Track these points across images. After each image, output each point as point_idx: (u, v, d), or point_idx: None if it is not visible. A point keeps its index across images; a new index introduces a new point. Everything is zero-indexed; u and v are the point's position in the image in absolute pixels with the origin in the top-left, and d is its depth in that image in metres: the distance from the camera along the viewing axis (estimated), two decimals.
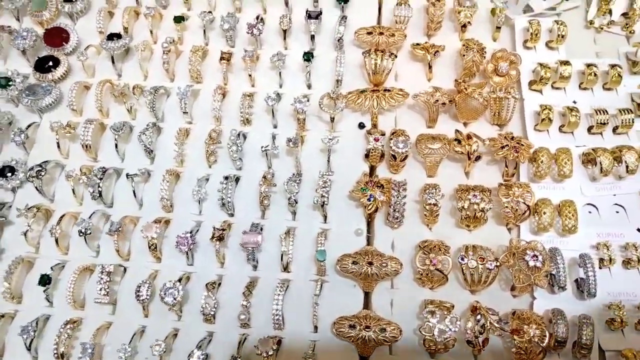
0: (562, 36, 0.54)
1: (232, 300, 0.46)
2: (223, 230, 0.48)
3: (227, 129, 0.54)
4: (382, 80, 0.54)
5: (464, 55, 0.53)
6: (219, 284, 0.47)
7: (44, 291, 0.47)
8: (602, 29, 0.57)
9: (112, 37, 0.56)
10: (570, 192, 0.49)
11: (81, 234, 0.47)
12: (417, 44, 0.55)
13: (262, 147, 0.51)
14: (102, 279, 0.46)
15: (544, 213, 0.46)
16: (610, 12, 0.57)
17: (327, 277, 0.47)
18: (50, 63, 0.57)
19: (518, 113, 0.53)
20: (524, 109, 0.53)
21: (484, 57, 0.54)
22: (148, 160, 0.53)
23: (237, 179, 0.51)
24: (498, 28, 0.57)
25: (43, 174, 0.51)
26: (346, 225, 0.49)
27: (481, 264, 0.44)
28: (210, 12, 0.59)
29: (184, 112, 0.54)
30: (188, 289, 0.47)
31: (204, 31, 0.59)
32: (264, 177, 0.50)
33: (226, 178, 0.50)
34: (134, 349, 0.44)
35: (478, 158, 0.49)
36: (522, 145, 0.49)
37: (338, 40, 0.56)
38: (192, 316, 0.47)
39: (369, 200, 0.48)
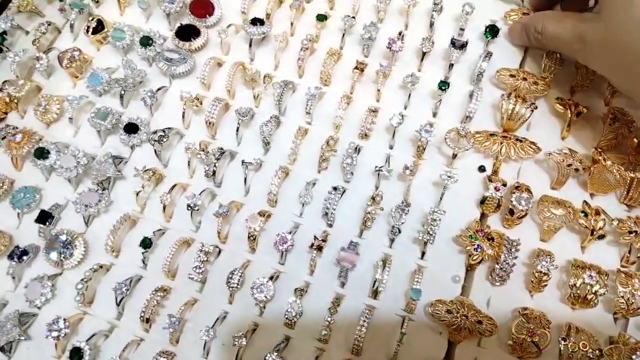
0: None
1: (315, 312, 0.46)
2: (324, 241, 0.47)
3: (345, 138, 0.54)
4: (515, 128, 0.52)
5: (609, 124, 0.50)
6: (306, 291, 0.47)
7: (143, 253, 0.48)
8: None
9: (256, 22, 0.57)
10: None
11: (189, 208, 0.49)
12: (561, 99, 0.52)
13: (376, 166, 0.51)
14: (199, 257, 0.47)
15: None
16: None
17: (414, 316, 0.46)
18: (192, 33, 0.58)
19: None
20: None
21: (631, 131, 0.50)
22: (262, 150, 0.54)
23: (344, 192, 0.51)
24: None
25: (165, 140, 0.52)
26: (444, 267, 0.48)
27: (583, 350, 0.42)
28: (353, 17, 0.58)
29: (307, 113, 0.54)
30: (276, 287, 0.47)
31: (343, 35, 0.58)
32: (373, 198, 0.49)
33: (335, 189, 0.50)
34: (215, 333, 0.45)
35: (602, 237, 0.46)
36: None
37: (477, 75, 0.54)
38: (272, 314, 0.47)
39: (475, 250, 0.46)
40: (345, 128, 0.54)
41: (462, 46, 0.55)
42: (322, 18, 0.58)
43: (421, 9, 0.59)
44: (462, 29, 0.57)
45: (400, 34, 0.57)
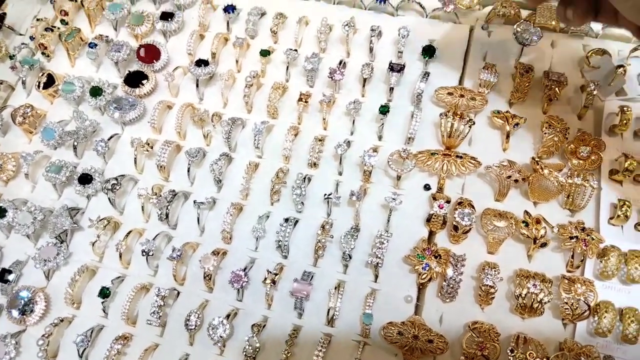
0: None
1: (274, 345, 0.47)
2: (276, 274, 0.49)
3: (294, 169, 0.55)
4: (456, 144, 0.54)
5: (545, 133, 0.52)
6: (264, 326, 0.48)
7: (102, 303, 0.49)
8: None
9: (200, 63, 0.58)
10: (636, 298, 0.47)
11: (144, 254, 0.50)
12: (498, 112, 0.54)
13: (325, 194, 0.52)
14: (156, 301, 0.48)
15: (604, 317, 0.44)
16: None
17: (369, 340, 0.47)
18: (140, 79, 0.60)
19: (594, 202, 0.51)
20: (601, 198, 0.51)
21: (566, 137, 0.52)
22: (216, 188, 0.55)
23: (296, 222, 0.52)
24: (586, 107, 0.55)
25: (118, 187, 0.53)
26: (397, 288, 0.49)
27: (530, 359, 0.43)
28: (295, 50, 0.60)
29: (256, 147, 0.55)
30: (234, 324, 0.48)
31: (287, 67, 0.60)
32: (323, 226, 0.51)
33: (286, 220, 0.51)
34: None
35: (544, 245, 0.48)
36: (593, 239, 0.47)
37: (417, 96, 0.56)
38: (233, 351, 0.48)
39: (423, 269, 0.47)
40: (295, 159, 0.56)
41: (400, 69, 0.57)
42: (265, 53, 0.60)
43: (361, 36, 0.61)
44: (400, 52, 0.59)
45: (341, 62, 0.59)
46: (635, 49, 0.56)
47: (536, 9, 0.59)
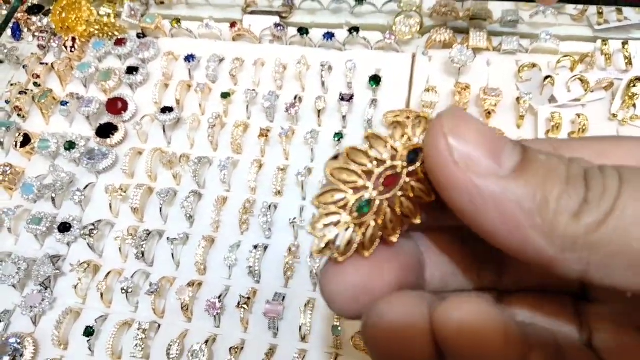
0: (583, 130, 0.57)
1: None
2: (248, 298, 0.52)
3: (261, 198, 0.59)
4: None
5: None
6: (242, 348, 0.51)
7: (88, 341, 0.52)
8: (625, 122, 0.59)
9: (165, 110, 0.63)
10: None
11: (123, 292, 0.53)
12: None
13: (289, 219, 0.56)
14: (138, 335, 0.51)
15: None
16: (634, 106, 0.59)
17: (341, 351, 0.51)
18: (111, 130, 0.64)
19: None
20: None
21: None
22: (188, 224, 0.59)
23: (266, 248, 0.56)
24: (522, 116, 0.60)
25: (95, 232, 0.57)
26: None
27: None
28: (254, 90, 0.65)
29: (223, 182, 0.59)
30: (214, 350, 0.51)
31: (247, 106, 0.64)
32: (290, 249, 0.54)
33: (255, 247, 0.55)
34: None
35: None
36: None
37: (367, 121, 0.61)
38: None
39: None
40: (260, 189, 0.60)
41: (350, 99, 0.62)
42: (226, 95, 0.65)
43: (313, 71, 0.66)
44: (349, 83, 0.64)
45: (296, 97, 0.64)
46: (559, 61, 0.61)
47: (469, 32, 0.65)
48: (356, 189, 0.22)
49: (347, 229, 0.22)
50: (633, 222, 0.18)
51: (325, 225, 0.22)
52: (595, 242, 0.19)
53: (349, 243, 0.22)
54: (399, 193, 0.22)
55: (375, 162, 0.22)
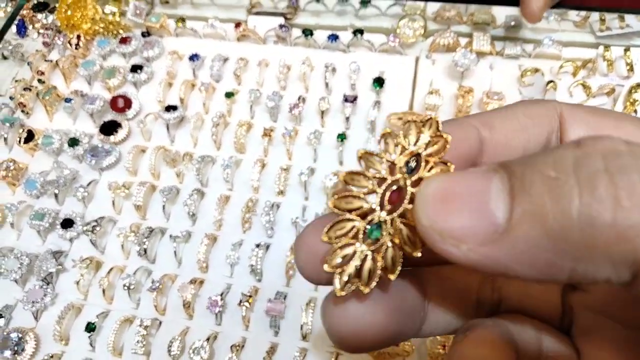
0: None
1: None
2: (250, 296, 0.52)
3: (264, 198, 0.59)
4: None
5: None
6: (243, 346, 0.51)
7: (89, 337, 0.52)
8: None
9: (169, 108, 0.63)
10: None
11: (125, 288, 0.53)
12: None
13: (292, 219, 0.56)
14: (139, 331, 0.51)
15: None
16: (635, 111, 0.60)
17: (342, 350, 0.51)
18: (115, 127, 0.64)
19: None
20: None
21: None
22: (190, 222, 0.59)
23: (268, 247, 0.56)
24: None
25: (98, 229, 0.57)
26: None
27: None
28: (258, 89, 0.65)
29: (226, 181, 0.60)
30: (215, 347, 0.52)
31: (251, 106, 0.65)
32: (292, 248, 0.55)
33: (257, 245, 0.55)
34: None
35: None
36: None
37: (370, 123, 0.61)
38: None
39: None
40: (263, 189, 0.60)
41: (354, 100, 0.62)
42: (230, 95, 0.65)
43: (317, 73, 0.67)
44: (353, 84, 0.64)
45: (299, 98, 0.64)
46: (561, 67, 0.62)
47: (472, 36, 0.65)
48: (364, 215, 0.22)
49: (364, 258, 0.21)
50: None
51: (343, 261, 0.21)
52: None
53: (371, 271, 0.21)
54: (409, 206, 0.21)
55: (375, 182, 0.22)
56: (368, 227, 0.21)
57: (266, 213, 0.56)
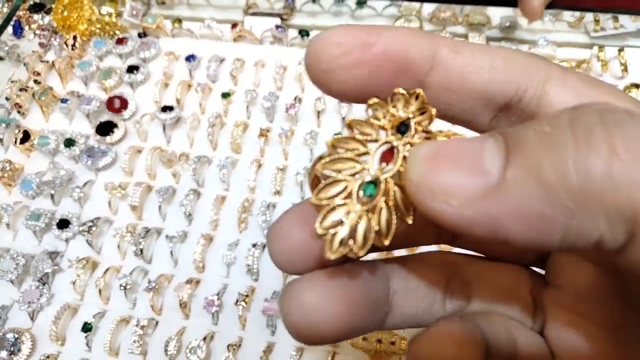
0: None
1: None
2: (247, 296, 0.52)
3: (260, 198, 0.59)
4: None
5: None
6: (239, 346, 0.52)
7: (85, 337, 0.52)
8: None
9: (166, 109, 0.63)
10: None
11: (122, 288, 0.53)
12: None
13: None
14: (136, 331, 0.51)
15: None
16: None
17: (340, 350, 0.51)
18: (111, 127, 0.64)
19: None
20: None
21: None
22: (186, 222, 0.59)
23: (264, 246, 0.56)
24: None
25: (94, 229, 0.57)
26: None
27: None
28: (254, 90, 0.65)
29: (222, 181, 0.60)
30: (211, 347, 0.52)
31: (247, 106, 0.65)
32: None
33: (254, 245, 0.55)
34: None
35: None
36: None
37: None
38: None
39: None
40: (259, 189, 0.60)
41: None
42: (226, 95, 0.65)
43: None
44: None
45: (295, 98, 0.64)
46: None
47: (468, 37, 0.66)
48: (355, 174, 0.20)
49: (359, 218, 0.20)
50: None
51: (334, 223, 0.20)
52: None
53: (367, 232, 0.20)
54: (402, 168, 0.20)
55: (367, 144, 0.21)
56: (362, 184, 0.20)
57: (262, 213, 0.57)
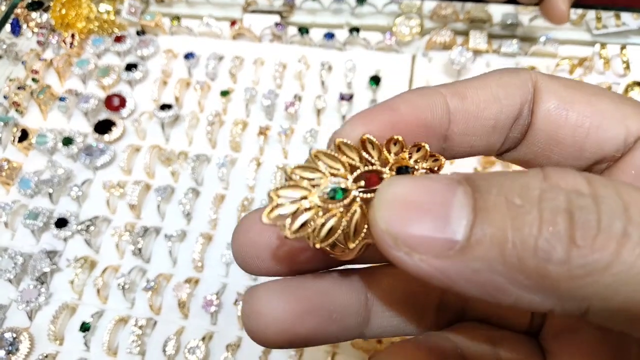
0: None
1: None
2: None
3: (259, 197, 0.59)
4: None
5: None
6: (239, 346, 0.51)
7: (84, 337, 0.52)
8: None
9: (164, 107, 0.63)
10: None
11: (120, 288, 0.53)
12: None
13: None
14: (134, 331, 0.51)
15: None
16: None
17: (339, 350, 0.51)
18: (109, 126, 0.64)
19: None
20: None
21: None
22: (185, 221, 0.58)
23: None
24: None
25: (92, 228, 0.57)
26: None
27: None
28: (253, 88, 0.65)
29: (221, 180, 0.59)
30: (210, 347, 0.51)
31: (246, 105, 0.64)
32: None
33: None
34: None
35: None
36: None
37: None
38: None
39: None
40: (259, 187, 0.60)
41: (350, 98, 0.62)
42: (225, 93, 0.65)
43: (313, 71, 0.66)
44: (349, 82, 0.64)
45: (295, 96, 0.64)
46: (558, 64, 0.61)
47: (469, 33, 0.65)
48: (335, 176, 0.21)
49: (308, 210, 0.20)
50: None
51: (290, 199, 0.20)
52: (595, 293, 0.16)
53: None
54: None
55: (365, 162, 0.21)
56: (331, 185, 0.20)
57: None
